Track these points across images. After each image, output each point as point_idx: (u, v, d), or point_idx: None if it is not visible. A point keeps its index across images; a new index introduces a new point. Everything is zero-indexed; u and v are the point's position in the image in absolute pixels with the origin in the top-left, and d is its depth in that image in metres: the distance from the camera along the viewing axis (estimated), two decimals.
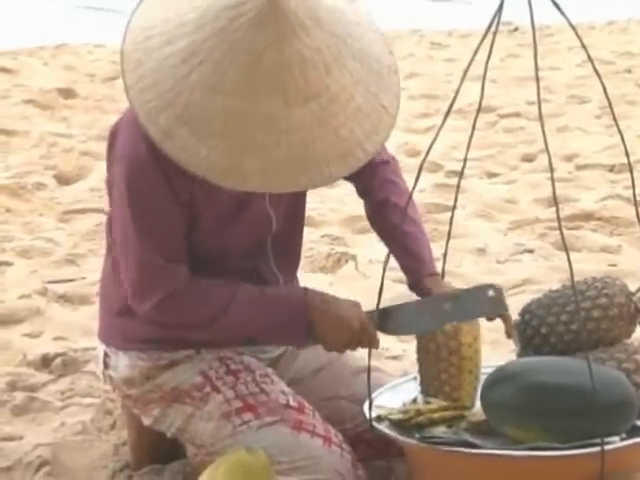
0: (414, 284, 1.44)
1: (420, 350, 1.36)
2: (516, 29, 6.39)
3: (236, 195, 1.29)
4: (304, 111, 1.14)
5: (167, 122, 1.14)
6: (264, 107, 1.13)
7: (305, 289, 1.32)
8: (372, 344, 1.29)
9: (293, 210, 1.41)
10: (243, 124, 1.13)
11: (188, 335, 1.34)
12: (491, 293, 1.31)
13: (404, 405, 1.33)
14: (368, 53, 1.21)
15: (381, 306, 1.26)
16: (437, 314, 1.30)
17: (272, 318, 1.29)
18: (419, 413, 1.25)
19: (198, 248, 1.33)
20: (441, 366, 1.32)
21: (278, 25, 1.13)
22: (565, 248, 1.18)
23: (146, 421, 1.41)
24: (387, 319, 1.29)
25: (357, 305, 1.30)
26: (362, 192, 1.52)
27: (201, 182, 1.21)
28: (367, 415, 1.27)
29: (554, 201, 1.18)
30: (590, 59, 1.21)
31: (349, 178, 1.46)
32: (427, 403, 1.30)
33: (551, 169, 1.19)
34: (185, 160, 1.15)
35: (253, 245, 1.37)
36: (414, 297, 1.47)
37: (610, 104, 1.23)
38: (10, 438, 1.67)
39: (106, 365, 1.43)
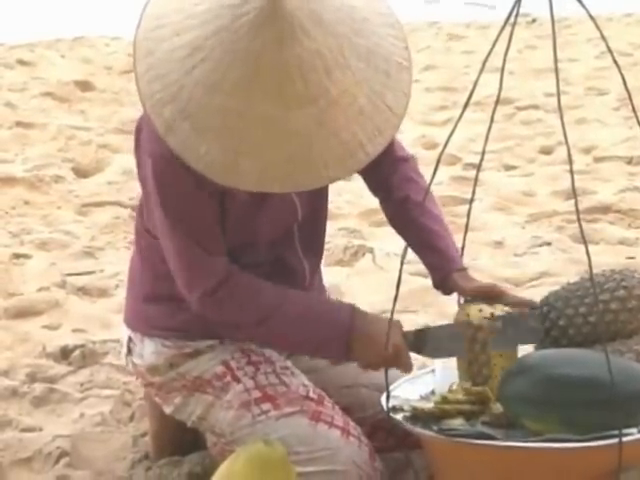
0: (441, 281, 1.43)
1: None
2: (534, 21, 6.35)
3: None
4: (302, 114, 1.12)
5: (171, 115, 1.14)
6: (261, 109, 1.12)
7: (352, 308, 1.31)
8: (404, 369, 1.30)
9: (316, 198, 1.41)
10: (240, 124, 1.12)
11: (231, 334, 1.34)
12: (532, 323, 1.30)
13: (422, 397, 1.33)
14: (375, 51, 1.17)
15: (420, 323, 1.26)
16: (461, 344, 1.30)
17: (316, 332, 1.28)
18: (445, 401, 1.25)
19: (225, 239, 1.33)
20: (472, 357, 1.32)
21: (277, 27, 1.11)
22: (584, 240, 1.17)
23: (167, 409, 1.42)
24: (423, 342, 1.30)
25: (396, 327, 1.28)
26: (377, 188, 1.51)
27: None
28: (384, 406, 1.27)
29: (573, 193, 1.17)
30: (610, 50, 1.20)
31: (364, 173, 1.45)
32: (450, 392, 1.30)
33: (570, 161, 1.18)
34: (186, 155, 1.14)
35: (280, 234, 1.38)
36: (438, 295, 1.47)
37: (630, 95, 1.22)
38: (30, 429, 1.69)
39: (130, 350, 1.44)
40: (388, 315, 1.24)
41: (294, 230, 1.39)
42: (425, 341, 1.30)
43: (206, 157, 1.14)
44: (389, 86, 1.18)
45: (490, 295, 1.37)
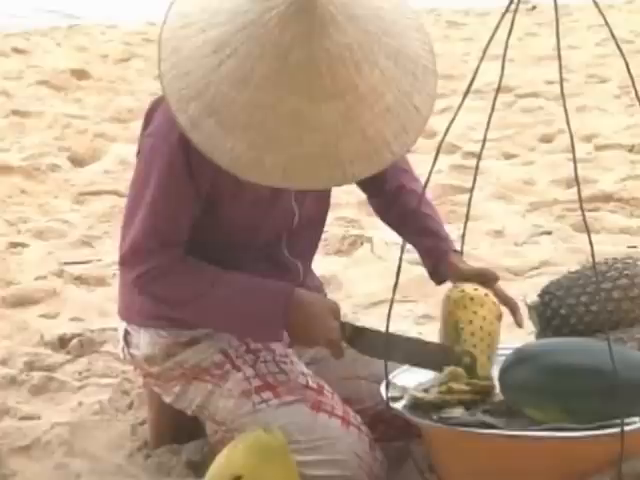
0: (436, 263, 1.43)
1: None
2: (534, 7, 6.33)
3: (261, 193, 1.29)
4: (329, 109, 1.12)
5: (196, 111, 1.14)
6: (289, 103, 1.12)
7: (293, 288, 1.31)
8: (335, 356, 1.30)
9: (317, 208, 1.42)
10: (267, 119, 1.13)
11: (171, 312, 1.34)
12: (465, 360, 1.29)
13: (423, 387, 1.32)
14: (403, 52, 1.18)
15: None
16: (401, 355, 1.30)
17: (252, 307, 1.28)
18: (449, 391, 1.25)
19: (219, 240, 1.33)
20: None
21: (307, 21, 1.11)
22: (587, 229, 1.16)
23: (167, 399, 1.42)
24: (358, 337, 1.30)
25: (334, 314, 1.29)
26: (369, 183, 1.50)
27: (225, 176, 1.21)
28: (384, 396, 1.27)
29: (576, 181, 1.16)
30: (613, 36, 1.19)
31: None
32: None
33: (573, 149, 1.17)
34: (211, 151, 1.15)
35: (270, 238, 1.39)
36: (431, 282, 1.46)
37: (633, 82, 1.21)
38: (28, 417, 1.68)
39: (127, 343, 1.44)
40: (387, 304, 1.23)
41: (283, 235, 1.39)
42: (361, 339, 1.30)
43: (231, 153, 1.14)
44: (416, 87, 1.18)
45: (486, 277, 1.37)
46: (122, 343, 1.45)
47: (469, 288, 1.34)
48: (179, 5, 1.21)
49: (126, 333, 1.43)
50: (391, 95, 1.16)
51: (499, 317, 1.35)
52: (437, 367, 1.30)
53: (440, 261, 1.42)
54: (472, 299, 1.33)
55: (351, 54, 1.13)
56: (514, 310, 1.39)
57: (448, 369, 1.29)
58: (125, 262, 1.33)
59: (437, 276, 1.45)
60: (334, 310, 1.30)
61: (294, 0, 1.11)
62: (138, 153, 1.35)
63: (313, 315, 1.28)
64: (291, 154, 1.13)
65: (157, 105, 1.32)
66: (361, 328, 1.31)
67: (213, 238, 1.34)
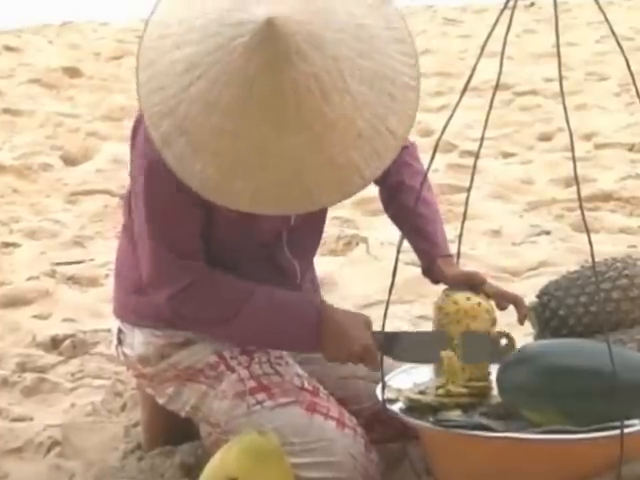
0: (427, 267, 1.43)
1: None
2: (532, 4, 6.32)
3: None
4: (296, 139, 1.11)
5: (167, 129, 1.14)
6: (255, 132, 1.12)
7: (321, 301, 1.32)
8: (371, 368, 1.28)
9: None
10: (234, 146, 1.13)
11: (201, 332, 1.34)
12: (503, 342, 1.28)
13: (420, 389, 1.30)
14: (381, 72, 1.15)
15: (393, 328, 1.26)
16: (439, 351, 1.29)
17: (284, 325, 1.28)
18: (448, 394, 1.23)
19: (215, 241, 1.32)
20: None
21: (271, 51, 1.10)
22: (586, 228, 1.14)
23: (160, 400, 1.41)
24: (392, 344, 1.29)
25: (366, 325, 1.29)
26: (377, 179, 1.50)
27: None
28: (379, 398, 1.26)
29: (575, 180, 1.15)
30: (613, 33, 1.18)
31: None
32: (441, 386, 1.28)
33: (572, 147, 1.15)
34: (180, 171, 1.15)
35: (271, 237, 1.38)
36: (427, 283, 1.45)
37: (633, 79, 1.20)
38: (20, 419, 1.67)
39: (120, 341, 1.43)
40: (383, 305, 1.22)
41: (283, 234, 1.38)
42: (395, 344, 1.29)
43: (201, 175, 1.14)
44: (393, 109, 1.16)
45: (473, 283, 1.36)
46: (115, 341, 1.44)
47: (462, 299, 1.32)
48: (160, 12, 1.20)
49: (119, 332, 1.43)
50: (363, 120, 1.14)
51: (493, 324, 1.33)
52: (487, 356, 1.28)
53: (430, 265, 1.42)
54: (466, 312, 1.31)
55: (318, 83, 1.11)
56: (518, 305, 1.37)
57: (444, 359, 1.27)
58: (150, 285, 1.31)
59: (429, 277, 1.45)
60: (365, 322, 1.30)
61: (258, 31, 1.10)
62: (131, 171, 1.34)
63: (345, 328, 1.26)
64: (258, 181, 1.13)
65: (138, 123, 1.31)
66: (394, 333, 1.29)
67: (211, 241, 1.32)
